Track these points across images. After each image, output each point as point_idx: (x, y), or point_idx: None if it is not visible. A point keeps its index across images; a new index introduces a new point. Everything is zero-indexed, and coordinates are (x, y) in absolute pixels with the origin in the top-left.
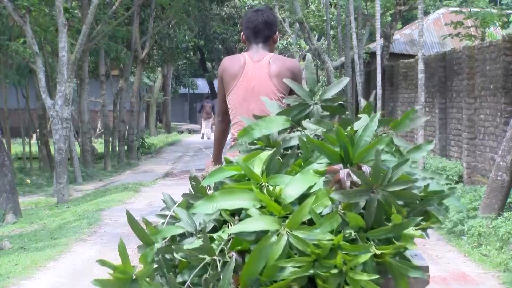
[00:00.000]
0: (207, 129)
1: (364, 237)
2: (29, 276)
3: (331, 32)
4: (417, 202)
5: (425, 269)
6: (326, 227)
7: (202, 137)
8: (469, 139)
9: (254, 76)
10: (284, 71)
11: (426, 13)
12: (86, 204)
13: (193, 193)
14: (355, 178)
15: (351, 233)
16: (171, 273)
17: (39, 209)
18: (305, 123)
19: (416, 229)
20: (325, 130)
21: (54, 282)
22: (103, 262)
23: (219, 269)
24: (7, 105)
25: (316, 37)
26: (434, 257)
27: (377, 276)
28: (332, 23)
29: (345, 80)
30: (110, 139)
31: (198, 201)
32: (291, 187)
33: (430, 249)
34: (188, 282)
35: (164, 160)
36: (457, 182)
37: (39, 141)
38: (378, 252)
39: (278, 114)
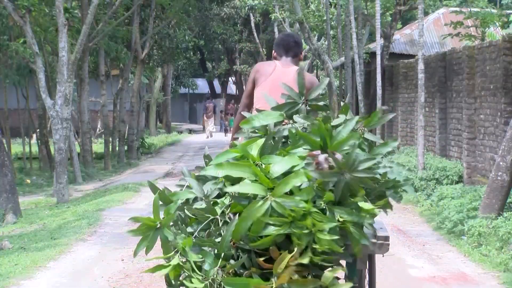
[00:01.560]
0: (210, 128)
1: (332, 208)
2: (29, 276)
3: (331, 32)
4: (377, 186)
5: (386, 238)
6: (302, 197)
7: (208, 137)
8: (469, 139)
9: (281, 77)
10: (307, 82)
11: (426, 13)
12: (86, 204)
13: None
14: (330, 162)
15: (321, 204)
16: (183, 225)
17: (39, 209)
18: (295, 117)
19: (375, 207)
20: (310, 124)
21: (54, 282)
22: (135, 219)
23: (220, 226)
24: (7, 105)
25: (316, 37)
26: (434, 257)
27: (337, 237)
28: (332, 23)
29: (326, 81)
30: (110, 139)
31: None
32: (277, 165)
33: (430, 249)
34: (195, 233)
35: (164, 160)
36: (457, 182)
37: (39, 141)
38: (341, 219)
39: (273, 109)
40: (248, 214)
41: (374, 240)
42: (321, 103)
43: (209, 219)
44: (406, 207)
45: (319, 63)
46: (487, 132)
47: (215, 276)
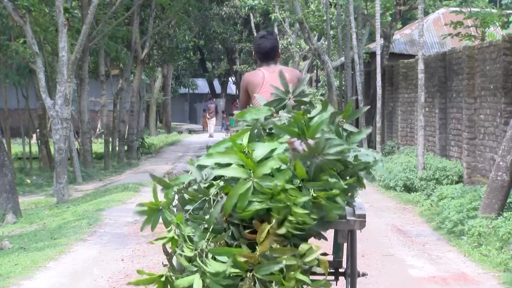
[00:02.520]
0: (212, 127)
1: (306, 185)
2: (29, 276)
3: (331, 32)
4: (349, 167)
5: (363, 216)
6: (281, 177)
7: (210, 136)
8: (469, 139)
9: (272, 81)
10: (293, 78)
11: (426, 13)
12: (86, 204)
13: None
14: (304, 147)
15: (297, 182)
16: (183, 205)
17: (39, 209)
18: (280, 112)
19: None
20: (289, 117)
21: (54, 282)
22: (140, 205)
23: (213, 205)
24: (7, 105)
25: (316, 37)
26: (434, 257)
27: (309, 211)
28: (332, 23)
29: (307, 77)
30: (110, 139)
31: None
32: (259, 150)
33: (430, 249)
34: (190, 211)
35: (164, 160)
36: (457, 182)
37: (39, 141)
38: (314, 195)
39: (264, 105)
40: (234, 193)
41: (352, 217)
42: (305, 99)
43: (202, 199)
44: (406, 207)
45: (319, 63)
46: (487, 132)
47: (204, 246)
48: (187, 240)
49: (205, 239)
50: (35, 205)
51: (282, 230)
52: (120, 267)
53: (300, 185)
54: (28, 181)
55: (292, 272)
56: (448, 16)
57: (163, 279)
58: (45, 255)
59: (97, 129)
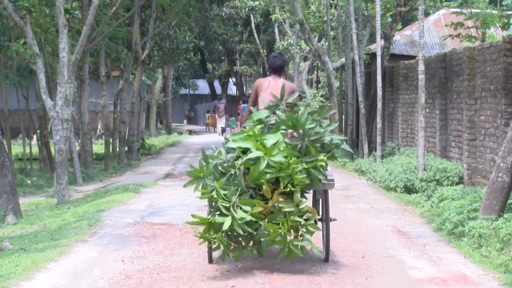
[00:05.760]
0: (222, 125)
1: (301, 159)
2: (30, 277)
3: (332, 33)
4: (325, 147)
5: (332, 180)
6: (282, 155)
7: (221, 133)
8: (470, 140)
9: (273, 87)
10: (290, 89)
11: (427, 14)
12: (87, 205)
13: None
14: (295, 134)
15: (294, 158)
16: (218, 174)
17: (40, 210)
18: (277, 112)
19: (324, 158)
20: (286, 114)
21: (54, 283)
22: (189, 173)
23: (238, 175)
24: (7, 106)
25: (317, 38)
26: (435, 258)
27: (304, 175)
28: (333, 24)
29: (296, 94)
30: (111, 140)
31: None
32: (269, 139)
33: (430, 250)
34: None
35: (164, 161)
36: (457, 183)
37: (39, 142)
38: (305, 166)
39: (264, 108)
40: (256, 167)
41: (325, 181)
42: (293, 104)
43: (231, 172)
44: (407, 208)
45: (319, 64)
46: (488, 133)
47: (234, 200)
48: (223, 197)
49: (235, 196)
50: (35, 206)
51: (286, 189)
52: (121, 268)
53: (297, 160)
54: (29, 182)
55: (292, 216)
56: (449, 17)
57: (209, 221)
58: (45, 256)
59: (98, 130)
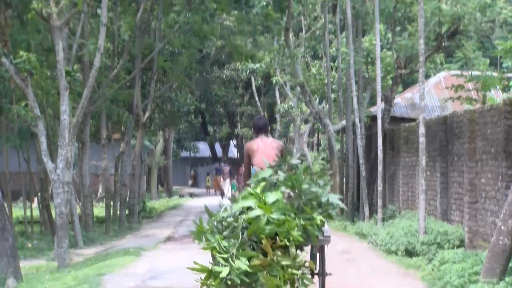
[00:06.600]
0: (226, 189)
1: (299, 216)
2: None
3: (332, 96)
4: (323, 206)
5: (328, 236)
6: (281, 212)
7: (222, 196)
8: (471, 203)
9: (264, 148)
10: (278, 146)
11: (427, 76)
12: (88, 268)
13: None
14: (292, 195)
15: (292, 215)
16: (222, 228)
17: (40, 274)
18: (279, 172)
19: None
20: (284, 177)
21: None
22: (193, 233)
23: (240, 229)
24: (8, 168)
25: (317, 100)
26: None
27: (300, 233)
28: (333, 86)
29: (298, 153)
30: (111, 203)
31: (232, 203)
32: (270, 197)
33: None
34: (226, 232)
35: (165, 224)
36: (458, 247)
37: (40, 204)
38: (303, 223)
39: (267, 167)
40: (255, 223)
41: (322, 237)
42: (294, 165)
43: (233, 226)
44: (408, 272)
45: (320, 126)
46: (489, 196)
47: (233, 252)
48: (223, 249)
49: (235, 248)
50: (36, 269)
51: (283, 244)
52: None
53: (294, 217)
54: (29, 245)
55: (289, 269)
56: (449, 79)
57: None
58: None
59: (99, 193)
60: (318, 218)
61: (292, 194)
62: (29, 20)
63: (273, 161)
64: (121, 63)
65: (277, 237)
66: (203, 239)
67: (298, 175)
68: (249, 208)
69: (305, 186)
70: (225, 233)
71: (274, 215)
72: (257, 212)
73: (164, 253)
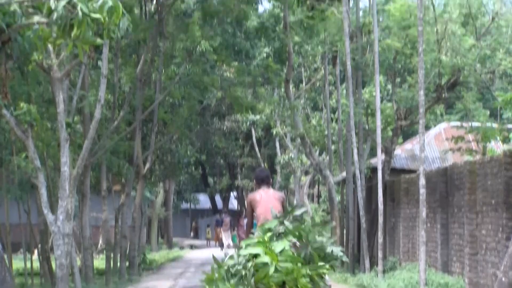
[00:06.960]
0: (228, 240)
1: (305, 267)
2: None
3: (332, 147)
4: (327, 257)
5: (330, 286)
6: (288, 262)
7: (222, 248)
8: (471, 255)
9: (266, 198)
10: (280, 197)
11: (427, 127)
12: None
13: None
14: (298, 244)
15: (299, 264)
16: (231, 276)
17: None
18: (285, 222)
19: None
20: (292, 227)
21: None
22: (205, 274)
23: (249, 276)
24: (8, 219)
25: (317, 151)
26: None
27: (308, 280)
28: (333, 138)
29: (303, 208)
30: (112, 254)
31: (239, 250)
32: (277, 246)
33: None
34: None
35: (165, 276)
36: None
37: (40, 256)
38: (309, 272)
39: (273, 218)
40: (263, 272)
41: (326, 286)
42: (298, 217)
43: (241, 274)
44: None
45: (320, 178)
46: (489, 248)
47: None
48: None
49: None
50: None
51: None
52: None
53: (301, 266)
54: None
55: None
56: (450, 131)
57: None
58: None
59: (99, 245)
60: (325, 267)
61: (298, 243)
62: (30, 71)
63: (278, 212)
64: (121, 114)
65: (285, 286)
66: (214, 287)
67: (306, 226)
68: (255, 256)
69: (312, 236)
70: (232, 281)
71: (283, 264)
72: (265, 259)
73: None
